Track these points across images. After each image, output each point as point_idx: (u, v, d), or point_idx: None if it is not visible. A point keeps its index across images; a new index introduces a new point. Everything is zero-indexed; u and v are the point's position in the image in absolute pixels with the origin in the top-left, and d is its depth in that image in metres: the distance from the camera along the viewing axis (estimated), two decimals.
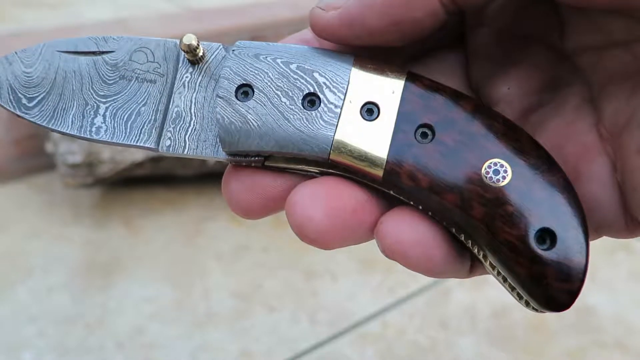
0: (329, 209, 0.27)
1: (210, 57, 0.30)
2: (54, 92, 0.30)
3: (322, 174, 0.29)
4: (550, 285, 0.26)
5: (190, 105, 0.29)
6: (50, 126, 0.30)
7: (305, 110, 0.28)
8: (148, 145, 0.29)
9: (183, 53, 0.30)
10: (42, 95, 0.30)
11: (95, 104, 0.30)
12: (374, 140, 0.27)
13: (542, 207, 0.26)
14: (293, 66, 0.28)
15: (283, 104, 0.28)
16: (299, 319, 0.99)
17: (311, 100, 0.28)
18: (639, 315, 1.00)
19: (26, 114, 0.30)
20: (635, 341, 0.95)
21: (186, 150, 0.29)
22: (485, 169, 0.27)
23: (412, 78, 0.29)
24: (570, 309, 0.26)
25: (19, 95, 0.30)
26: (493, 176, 0.26)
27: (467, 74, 0.33)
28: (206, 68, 0.30)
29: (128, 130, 0.30)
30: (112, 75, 0.30)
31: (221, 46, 0.30)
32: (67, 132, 0.30)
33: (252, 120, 0.28)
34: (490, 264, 0.27)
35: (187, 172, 1.27)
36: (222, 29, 1.47)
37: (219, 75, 0.29)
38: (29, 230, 1.17)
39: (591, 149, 0.28)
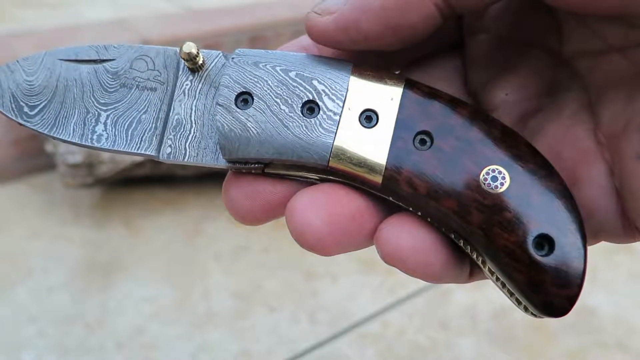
0: (329, 215, 0.27)
1: (210, 64, 0.30)
2: (56, 100, 0.30)
3: (321, 180, 0.29)
4: (549, 291, 0.26)
5: (191, 113, 0.30)
6: (51, 134, 0.30)
7: (304, 118, 0.28)
8: (149, 153, 0.30)
9: (183, 61, 0.30)
10: (43, 104, 0.30)
11: (96, 112, 0.30)
12: (372, 147, 0.28)
13: (540, 213, 0.26)
14: (292, 74, 0.29)
15: (282, 111, 0.28)
16: (299, 319, 0.99)
17: (310, 107, 0.28)
18: (639, 316, 1.00)
19: (28, 122, 0.30)
20: (636, 341, 0.95)
21: (186, 158, 0.29)
22: (484, 175, 0.27)
23: (410, 85, 0.29)
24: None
25: (21, 103, 0.30)
26: (491, 182, 0.27)
27: (465, 79, 0.33)
28: (206, 76, 0.30)
29: (129, 138, 0.30)
30: (112, 83, 0.30)
31: (221, 54, 0.30)
32: (69, 140, 0.30)
33: (251, 128, 0.28)
34: (489, 270, 0.27)
35: (187, 172, 1.27)
36: (222, 29, 1.47)
37: (219, 83, 0.29)
38: (29, 230, 1.17)
39: (589, 154, 0.28)
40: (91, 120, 0.30)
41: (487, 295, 1.02)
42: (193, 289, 1.05)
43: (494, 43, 0.32)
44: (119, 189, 1.29)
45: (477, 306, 1.01)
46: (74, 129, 0.30)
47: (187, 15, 1.67)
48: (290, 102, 0.28)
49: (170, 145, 0.29)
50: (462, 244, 0.28)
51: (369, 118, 0.28)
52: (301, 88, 0.28)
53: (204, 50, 0.30)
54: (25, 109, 0.30)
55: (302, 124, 0.28)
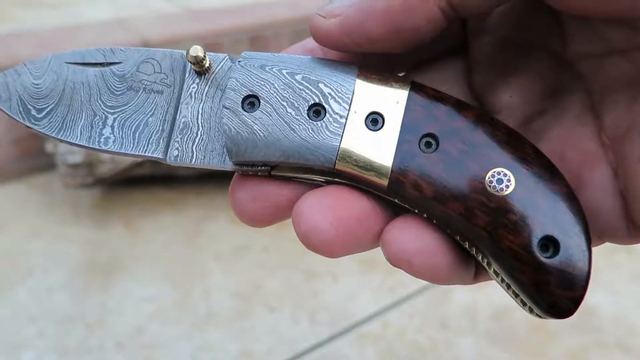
0: (335, 218, 0.27)
1: (216, 67, 0.30)
2: (63, 103, 0.30)
3: (327, 183, 0.29)
4: (554, 293, 0.26)
5: (197, 116, 0.30)
6: (59, 137, 0.30)
7: (310, 121, 0.28)
8: (156, 156, 0.30)
9: (190, 64, 0.30)
10: (51, 107, 0.30)
11: (103, 115, 0.30)
12: (378, 150, 0.28)
13: (545, 215, 0.26)
14: (298, 77, 0.29)
15: (289, 114, 0.28)
16: (299, 319, 0.99)
17: (316, 110, 0.28)
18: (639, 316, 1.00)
19: (35, 124, 0.30)
20: (636, 341, 0.96)
21: (194, 160, 0.29)
22: (489, 177, 0.27)
23: (416, 88, 0.29)
24: None
25: (28, 106, 0.30)
26: (496, 185, 0.27)
27: (469, 81, 0.33)
28: (212, 79, 0.30)
29: (136, 140, 0.30)
30: (119, 86, 0.30)
31: (227, 57, 0.30)
32: (76, 142, 0.30)
33: (258, 131, 0.28)
34: (494, 271, 0.28)
35: (187, 172, 1.27)
36: (222, 29, 1.47)
37: (226, 86, 0.29)
38: (29, 230, 1.17)
39: (593, 157, 0.29)
40: (98, 123, 0.30)
41: (487, 295, 1.02)
42: (193, 289, 1.05)
43: (498, 45, 0.32)
44: (119, 189, 1.29)
45: (477, 306, 1.01)
46: (81, 132, 0.30)
47: (187, 15, 1.67)
48: (296, 105, 0.28)
49: (177, 148, 0.29)
50: (467, 246, 0.28)
51: (374, 121, 0.28)
52: (307, 91, 0.28)
53: (211, 53, 0.30)
54: (33, 112, 0.30)
55: (309, 126, 0.28)
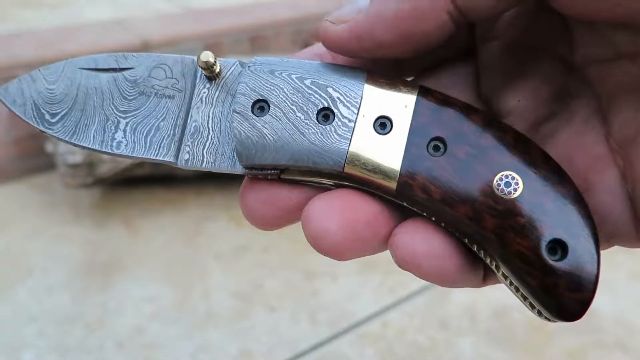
0: (344, 221, 0.27)
1: (226, 73, 0.30)
2: (76, 108, 0.30)
3: (336, 186, 0.29)
4: (562, 296, 0.26)
5: (208, 120, 0.30)
6: (72, 141, 0.30)
7: (319, 125, 0.28)
8: (167, 160, 0.30)
9: (200, 69, 0.30)
10: (64, 111, 0.30)
11: (115, 120, 0.30)
12: (387, 154, 0.28)
13: (553, 218, 0.27)
14: (307, 81, 0.29)
15: (298, 118, 0.28)
16: (299, 319, 0.99)
17: (325, 114, 0.28)
18: (639, 316, 1.00)
19: (49, 129, 0.30)
20: (636, 341, 0.96)
21: (204, 164, 0.30)
22: (497, 181, 0.27)
23: (424, 92, 0.29)
24: None
25: (42, 111, 0.30)
26: (504, 188, 0.27)
27: (477, 86, 0.33)
28: (223, 84, 0.30)
29: (148, 144, 0.30)
30: (131, 91, 0.31)
31: (237, 62, 0.30)
32: (89, 146, 0.30)
33: (268, 135, 0.28)
34: (503, 274, 0.28)
35: (187, 173, 1.27)
36: (222, 29, 1.47)
37: (236, 91, 0.30)
38: (29, 230, 1.17)
39: (601, 160, 0.29)
40: (111, 127, 0.30)
41: (487, 295, 1.03)
42: (193, 289, 1.05)
43: (506, 50, 0.32)
44: (119, 189, 1.29)
45: (476, 306, 1.02)
46: (94, 136, 0.30)
47: (187, 15, 1.67)
48: (305, 109, 0.28)
49: (188, 152, 0.30)
50: (475, 249, 0.28)
51: (383, 125, 0.28)
52: (316, 95, 0.29)
53: (221, 59, 0.30)
54: (47, 117, 0.30)
55: (318, 130, 0.28)
